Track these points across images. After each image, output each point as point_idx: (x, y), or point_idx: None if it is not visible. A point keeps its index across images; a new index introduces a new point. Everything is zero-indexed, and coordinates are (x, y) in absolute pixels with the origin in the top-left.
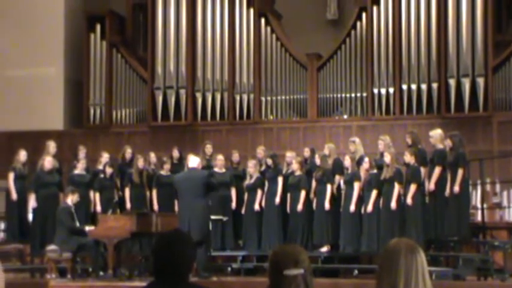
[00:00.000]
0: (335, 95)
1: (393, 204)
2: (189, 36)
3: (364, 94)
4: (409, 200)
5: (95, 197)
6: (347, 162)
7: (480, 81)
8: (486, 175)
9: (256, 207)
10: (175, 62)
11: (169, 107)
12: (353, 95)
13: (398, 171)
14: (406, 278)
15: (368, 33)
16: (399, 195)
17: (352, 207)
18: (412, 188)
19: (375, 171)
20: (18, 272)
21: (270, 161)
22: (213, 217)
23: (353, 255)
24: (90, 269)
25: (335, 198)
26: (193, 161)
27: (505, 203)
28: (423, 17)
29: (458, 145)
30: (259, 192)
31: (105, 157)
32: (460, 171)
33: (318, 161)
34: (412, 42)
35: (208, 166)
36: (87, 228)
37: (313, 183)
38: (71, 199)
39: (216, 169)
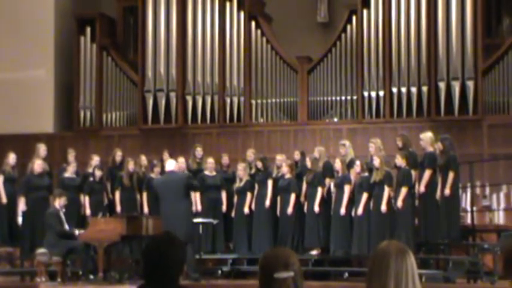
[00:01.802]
0: (325, 98)
1: (383, 207)
2: (179, 39)
3: (355, 97)
4: (399, 203)
5: (85, 200)
6: (337, 165)
7: (470, 84)
8: (476, 178)
9: (246, 210)
10: (166, 65)
11: (160, 110)
12: (343, 98)
13: (388, 174)
14: (396, 280)
15: (358, 36)
16: (389, 198)
17: (343, 210)
18: (403, 191)
19: (366, 174)
20: (8, 275)
21: (260, 164)
22: (203, 220)
23: (343, 258)
24: (80, 273)
25: (325, 201)
26: (170, 164)
27: (494, 205)
28: (413, 20)
29: (449, 148)
30: (248, 195)
31: (95, 160)
32: (451, 174)
33: (308, 164)
34: (402, 45)
35: (198, 169)
36: (77, 231)
37: (304, 186)
38: (58, 202)
39: (206, 172)
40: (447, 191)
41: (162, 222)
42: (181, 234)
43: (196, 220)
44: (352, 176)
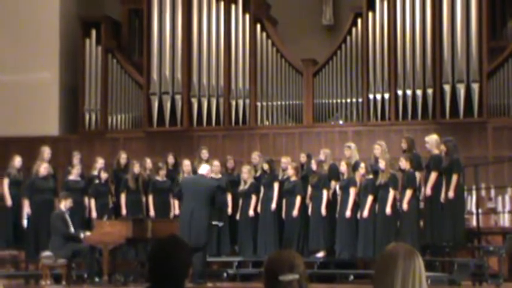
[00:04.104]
0: (331, 101)
1: (388, 210)
2: (184, 41)
3: (360, 100)
4: (405, 206)
5: (90, 202)
6: (343, 167)
7: (475, 87)
8: (481, 180)
9: (251, 213)
10: (171, 68)
11: (165, 113)
12: (348, 100)
13: (393, 176)
14: (403, 282)
15: (363, 39)
16: (394, 201)
17: (348, 213)
18: (408, 193)
19: (371, 176)
20: (13, 278)
21: (266, 166)
22: None
23: (349, 261)
24: (85, 275)
25: (331, 204)
26: (204, 168)
27: (499, 208)
28: (418, 23)
29: (453, 150)
30: (253, 197)
31: (100, 163)
32: (454, 177)
33: (314, 166)
34: (407, 48)
35: None
36: (83, 234)
37: (309, 189)
38: (64, 204)
39: (212, 175)
40: (451, 194)
41: (179, 222)
42: (196, 238)
43: None
44: (357, 178)
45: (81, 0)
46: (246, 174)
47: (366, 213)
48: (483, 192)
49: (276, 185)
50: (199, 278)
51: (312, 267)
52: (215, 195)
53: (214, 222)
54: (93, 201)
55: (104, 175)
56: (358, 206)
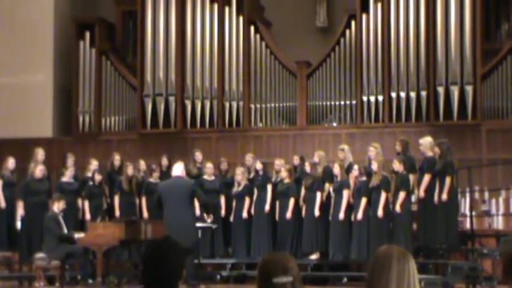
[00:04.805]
0: (324, 103)
1: (380, 212)
2: (178, 43)
3: (354, 102)
4: (397, 208)
5: (84, 204)
6: (336, 170)
7: (469, 89)
8: (475, 183)
9: (244, 215)
10: (165, 70)
11: (159, 115)
12: (342, 102)
13: (385, 178)
14: (397, 283)
15: (357, 41)
16: (386, 203)
17: (341, 215)
18: (401, 195)
19: (364, 178)
20: (6, 280)
21: (260, 166)
22: (202, 225)
23: (342, 263)
24: (79, 277)
25: (324, 206)
26: (178, 169)
27: (493, 210)
28: (412, 25)
29: (446, 153)
30: (247, 200)
31: (93, 164)
32: (448, 179)
33: (308, 168)
34: (401, 50)
35: (199, 174)
36: (76, 235)
37: (302, 191)
38: (57, 206)
39: (205, 177)
40: (444, 196)
41: (165, 227)
42: (184, 241)
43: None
44: (351, 180)
45: (75, 2)
46: (240, 176)
47: (360, 215)
48: (477, 195)
49: (269, 187)
50: (192, 279)
51: (305, 269)
52: (195, 194)
53: (207, 225)
54: (86, 203)
55: (97, 177)
56: (351, 208)
